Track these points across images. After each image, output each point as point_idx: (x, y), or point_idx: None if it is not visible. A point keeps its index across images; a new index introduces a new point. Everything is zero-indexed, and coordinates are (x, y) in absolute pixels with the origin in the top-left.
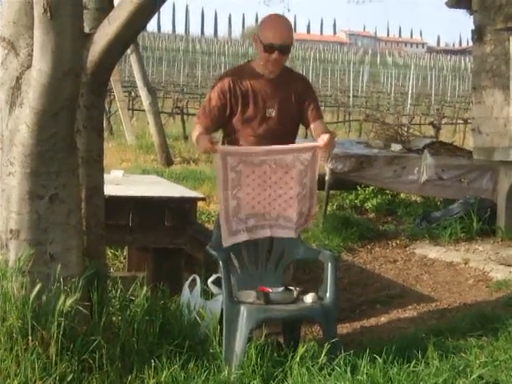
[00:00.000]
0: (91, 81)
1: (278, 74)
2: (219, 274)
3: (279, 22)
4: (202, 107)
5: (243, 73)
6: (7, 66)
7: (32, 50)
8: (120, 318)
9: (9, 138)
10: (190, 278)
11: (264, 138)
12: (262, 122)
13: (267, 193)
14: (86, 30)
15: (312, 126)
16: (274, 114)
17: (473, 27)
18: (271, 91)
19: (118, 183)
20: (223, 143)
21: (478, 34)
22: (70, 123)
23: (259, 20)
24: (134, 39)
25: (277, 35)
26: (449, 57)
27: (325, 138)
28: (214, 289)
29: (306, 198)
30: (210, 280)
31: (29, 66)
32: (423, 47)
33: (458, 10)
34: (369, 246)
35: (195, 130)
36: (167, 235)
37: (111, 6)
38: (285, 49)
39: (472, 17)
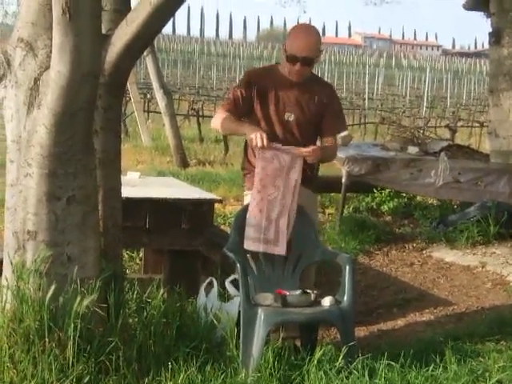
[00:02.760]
0: (109, 82)
1: (303, 79)
2: (236, 276)
3: (305, 34)
4: (226, 98)
5: (270, 73)
6: (25, 67)
7: (50, 51)
8: (137, 319)
9: (26, 139)
10: (207, 281)
11: (279, 139)
12: (280, 124)
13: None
14: (103, 31)
15: (322, 139)
16: (292, 119)
17: (490, 30)
18: (294, 96)
19: (135, 185)
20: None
21: (496, 37)
22: (87, 125)
23: (274, 23)
24: (151, 41)
25: (300, 47)
26: (464, 59)
27: (310, 148)
28: (231, 289)
29: (277, 203)
30: (227, 280)
31: (47, 67)
32: (438, 50)
33: (475, 12)
34: (385, 249)
35: (218, 114)
36: (184, 237)
37: (128, 8)
38: (308, 61)
39: (489, 19)
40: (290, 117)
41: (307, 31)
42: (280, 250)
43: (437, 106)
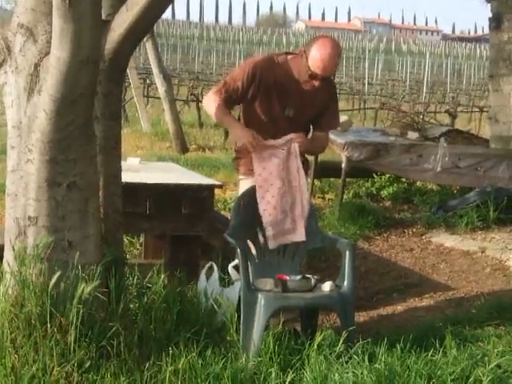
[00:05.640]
0: (109, 68)
1: None
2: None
3: (330, 56)
4: (224, 81)
5: (278, 67)
6: (25, 52)
7: (50, 37)
8: (137, 305)
9: (27, 125)
10: (207, 266)
11: (274, 131)
12: (279, 118)
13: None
14: (103, 16)
15: (314, 132)
16: (291, 114)
17: (490, 15)
18: (297, 93)
19: (135, 170)
20: (239, 119)
21: (496, 22)
22: (88, 110)
23: (273, 8)
24: (151, 26)
25: (325, 68)
26: (464, 44)
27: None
28: (233, 274)
29: (286, 194)
30: (230, 265)
31: (47, 53)
32: (438, 35)
33: None
34: (385, 235)
35: (213, 98)
36: (184, 222)
37: None
38: (327, 77)
39: (489, 5)
40: (290, 112)
41: (332, 52)
42: (298, 236)
43: (437, 91)
